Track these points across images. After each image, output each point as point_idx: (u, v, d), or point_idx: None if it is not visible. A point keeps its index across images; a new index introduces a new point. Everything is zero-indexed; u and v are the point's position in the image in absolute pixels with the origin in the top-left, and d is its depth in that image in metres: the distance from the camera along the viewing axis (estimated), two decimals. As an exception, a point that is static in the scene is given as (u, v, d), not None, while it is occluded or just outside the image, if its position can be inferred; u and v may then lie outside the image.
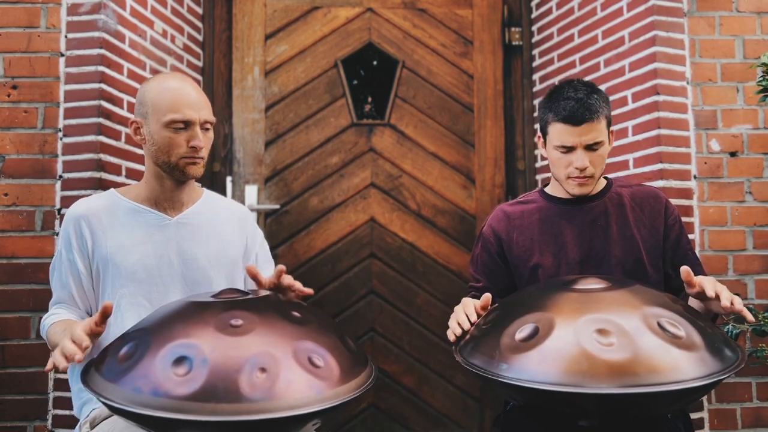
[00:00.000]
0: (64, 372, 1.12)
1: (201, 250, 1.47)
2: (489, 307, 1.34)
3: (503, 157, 2.66)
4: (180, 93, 1.38)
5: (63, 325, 1.29)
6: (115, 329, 1.36)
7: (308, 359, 1.00)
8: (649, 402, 1.02)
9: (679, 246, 1.56)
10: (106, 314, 1.13)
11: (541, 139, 1.58)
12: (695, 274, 1.53)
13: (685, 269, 1.26)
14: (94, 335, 1.14)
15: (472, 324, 1.30)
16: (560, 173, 1.51)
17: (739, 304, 1.19)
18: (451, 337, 1.30)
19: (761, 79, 1.82)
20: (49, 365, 1.09)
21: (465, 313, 1.31)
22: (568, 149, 1.47)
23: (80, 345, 1.09)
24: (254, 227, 1.62)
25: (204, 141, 1.40)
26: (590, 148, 1.46)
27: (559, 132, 1.47)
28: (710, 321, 1.31)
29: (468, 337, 1.27)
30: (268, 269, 1.61)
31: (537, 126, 1.61)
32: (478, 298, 1.59)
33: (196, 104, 1.39)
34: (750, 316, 1.20)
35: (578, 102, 1.44)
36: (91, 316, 1.44)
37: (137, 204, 1.45)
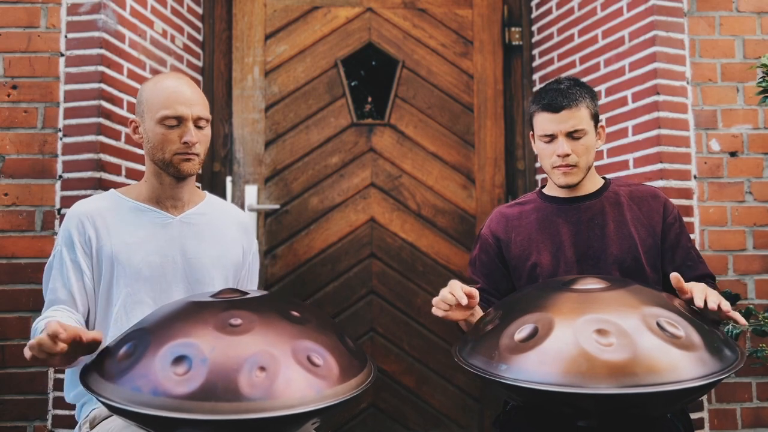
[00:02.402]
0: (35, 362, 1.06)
1: (203, 251, 1.48)
2: (475, 298, 1.32)
3: (503, 157, 2.66)
4: (173, 90, 1.40)
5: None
6: (119, 328, 1.36)
7: (307, 358, 1.00)
8: (648, 402, 1.02)
9: (680, 245, 1.56)
10: (96, 342, 1.09)
11: (532, 135, 1.61)
12: (698, 273, 1.54)
13: (674, 276, 1.26)
14: (78, 345, 1.07)
15: (454, 302, 1.29)
16: (546, 164, 1.55)
17: (726, 306, 1.18)
18: (437, 312, 1.32)
19: (761, 80, 1.82)
20: (27, 353, 1.04)
21: (450, 293, 1.30)
22: (550, 137, 1.51)
23: (55, 336, 1.02)
24: (252, 238, 1.64)
25: (198, 137, 1.41)
26: (571, 136, 1.49)
27: (541, 121, 1.52)
28: (713, 321, 1.31)
29: (466, 337, 1.27)
30: (253, 281, 1.64)
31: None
32: None
33: (189, 101, 1.40)
34: (741, 320, 1.19)
35: (558, 92, 1.50)
36: (89, 318, 1.43)
37: (139, 203, 1.46)
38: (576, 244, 1.54)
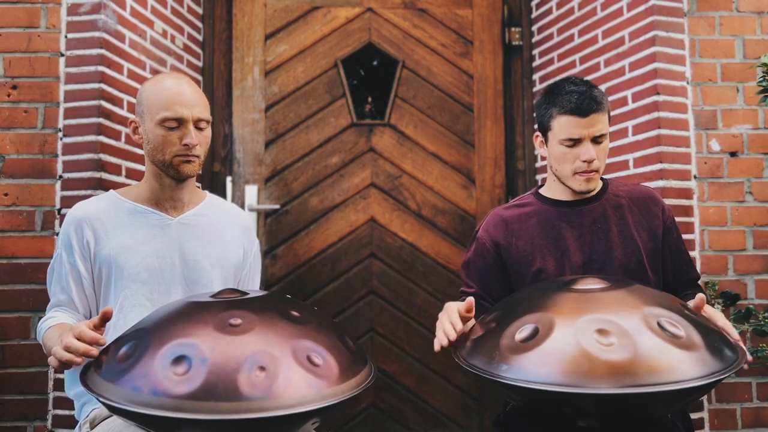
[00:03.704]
0: (62, 371, 1.11)
1: (202, 252, 1.47)
2: (473, 311, 1.28)
3: (503, 157, 2.66)
4: (173, 91, 1.39)
5: (59, 329, 1.28)
6: (118, 330, 1.35)
7: (307, 358, 1.00)
8: (648, 402, 1.02)
9: (679, 249, 1.57)
10: (106, 318, 1.12)
11: (540, 138, 1.55)
12: (689, 278, 1.58)
13: (701, 298, 1.25)
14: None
15: (458, 332, 1.25)
16: (566, 169, 1.48)
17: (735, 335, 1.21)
18: (437, 347, 1.25)
19: (761, 79, 1.82)
20: (52, 360, 1.09)
21: (450, 322, 1.26)
22: (575, 142, 1.45)
23: (96, 342, 1.09)
24: (253, 237, 1.63)
25: (198, 139, 1.40)
26: (596, 140, 1.45)
27: (565, 125, 1.44)
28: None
29: (464, 339, 1.27)
30: (255, 281, 1.64)
31: (535, 126, 1.59)
32: None
33: (189, 102, 1.39)
34: (749, 357, 1.19)
35: (582, 94, 1.43)
36: (89, 319, 1.44)
37: (138, 204, 1.45)
38: (581, 249, 1.51)
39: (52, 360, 1.10)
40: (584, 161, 1.44)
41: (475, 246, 1.60)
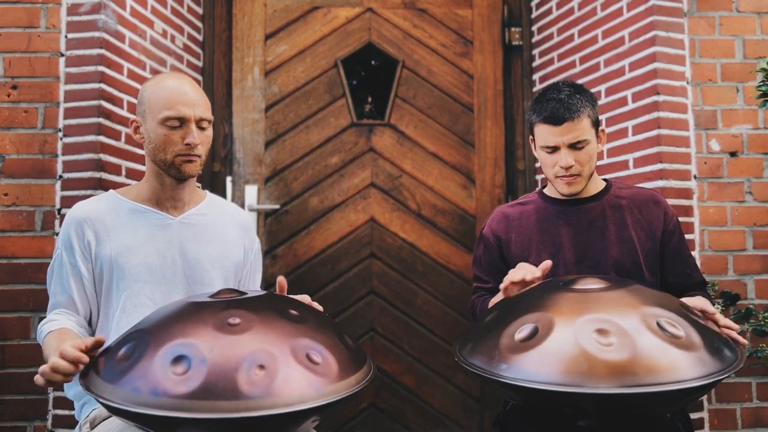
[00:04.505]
0: (49, 386, 1.08)
1: (203, 251, 1.47)
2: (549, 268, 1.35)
3: (503, 157, 2.66)
4: (175, 91, 1.39)
5: (57, 338, 1.27)
6: (120, 330, 1.34)
7: (306, 356, 1.00)
8: (648, 402, 1.02)
9: (680, 254, 1.58)
10: (97, 345, 1.11)
11: (533, 141, 1.60)
12: (695, 280, 1.57)
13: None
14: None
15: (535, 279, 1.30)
16: (549, 173, 1.54)
17: (725, 322, 1.20)
18: (505, 283, 1.31)
19: (761, 84, 1.82)
20: (39, 378, 1.06)
21: (529, 271, 1.31)
22: (553, 149, 1.49)
23: (78, 361, 1.06)
24: (253, 236, 1.63)
25: (200, 138, 1.40)
26: (574, 146, 1.48)
27: (542, 132, 1.50)
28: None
29: (466, 336, 1.27)
30: (256, 280, 1.64)
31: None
32: (488, 297, 1.59)
33: (192, 102, 1.39)
34: (742, 339, 1.20)
35: (559, 102, 1.47)
36: (91, 320, 1.44)
37: (139, 204, 1.45)
38: (575, 247, 1.54)
39: (38, 378, 1.07)
40: (561, 167, 1.49)
41: (482, 243, 1.67)
